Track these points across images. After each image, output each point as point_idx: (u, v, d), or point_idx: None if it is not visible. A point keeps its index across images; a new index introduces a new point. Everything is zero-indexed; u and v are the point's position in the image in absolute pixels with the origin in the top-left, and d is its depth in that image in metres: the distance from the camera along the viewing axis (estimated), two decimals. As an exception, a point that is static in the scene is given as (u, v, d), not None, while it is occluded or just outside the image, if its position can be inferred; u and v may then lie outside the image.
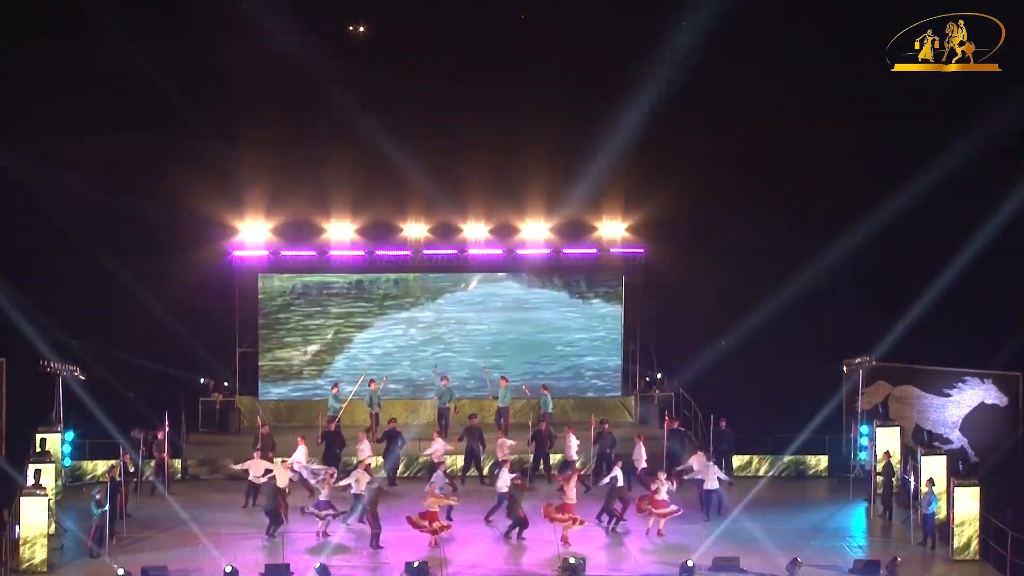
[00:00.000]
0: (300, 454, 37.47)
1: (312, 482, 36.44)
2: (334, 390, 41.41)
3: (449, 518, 35.13)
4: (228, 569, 31.49)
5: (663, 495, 35.11)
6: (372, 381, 41.76)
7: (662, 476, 35.54)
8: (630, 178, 44.35)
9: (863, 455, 39.45)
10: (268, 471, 36.29)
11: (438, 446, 38.36)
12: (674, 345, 44.38)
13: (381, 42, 47.58)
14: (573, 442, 38.93)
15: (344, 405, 41.06)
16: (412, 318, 44.37)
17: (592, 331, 44.82)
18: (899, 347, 41.94)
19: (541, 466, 39.36)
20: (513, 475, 35.70)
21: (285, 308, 44.11)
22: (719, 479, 36.75)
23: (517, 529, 34.69)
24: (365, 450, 38.01)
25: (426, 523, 33.97)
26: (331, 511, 34.65)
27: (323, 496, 34.82)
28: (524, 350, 44.60)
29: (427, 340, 44.30)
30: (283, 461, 37.16)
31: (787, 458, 40.54)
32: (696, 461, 37.10)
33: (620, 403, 44.60)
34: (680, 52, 43.91)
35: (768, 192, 45.98)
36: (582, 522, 34.63)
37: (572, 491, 34.64)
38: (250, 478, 37.01)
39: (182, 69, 44.86)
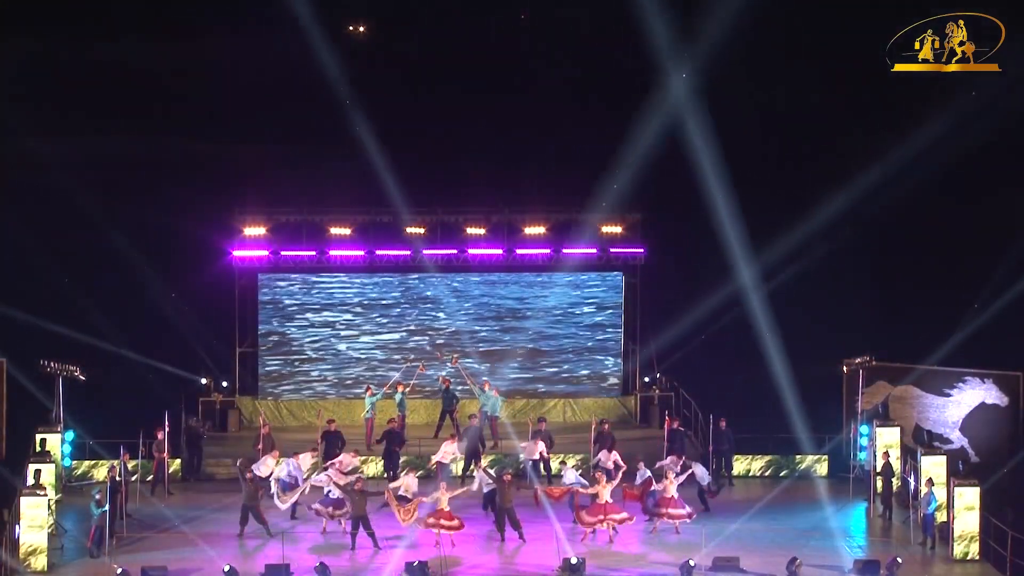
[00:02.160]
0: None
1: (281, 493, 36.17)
2: (368, 392, 41.36)
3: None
4: (227, 568, 31.49)
5: (673, 493, 35.11)
6: (400, 384, 41.74)
7: (671, 475, 35.50)
8: (630, 178, 44.34)
9: (863, 455, 39.44)
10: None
11: (447, 449, 38.34)
12: (674, 345, 44.36)
13: (381, 42, 47.61)
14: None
15: (372, 406, 40.97)
16: (411, 317, 44.47)
17: (591, 331, 44.84)
18: (899, 347, 41.99)
19: (541, 466, 39.33)
20: (504, 471, 35.72)
21: (285, 307, 44.16)
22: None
23: (506, 521, 34.68)
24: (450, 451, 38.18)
25: (443, 521, 33.99)
26: (334, 508, 34.68)
27: (333, 494, 34.83)
28: (522, 349, 44.62)
29: (423, 339, 44.41)
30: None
31: (787, 458, 40.54)
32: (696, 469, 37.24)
33: (620, 403, 44.61)
34: (682, 51, 43.92)
35: (768, 191, 45.97)
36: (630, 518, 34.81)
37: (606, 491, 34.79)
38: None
39: (182, 69, 44.88)
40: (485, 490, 35.67)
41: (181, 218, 43.40)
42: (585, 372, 44.85)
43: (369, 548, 33.96)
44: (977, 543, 33.75)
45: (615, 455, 37.48)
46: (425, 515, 34.21)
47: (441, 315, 44.52)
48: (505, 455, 40.05)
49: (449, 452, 38.12)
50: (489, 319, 44.65)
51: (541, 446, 38.35)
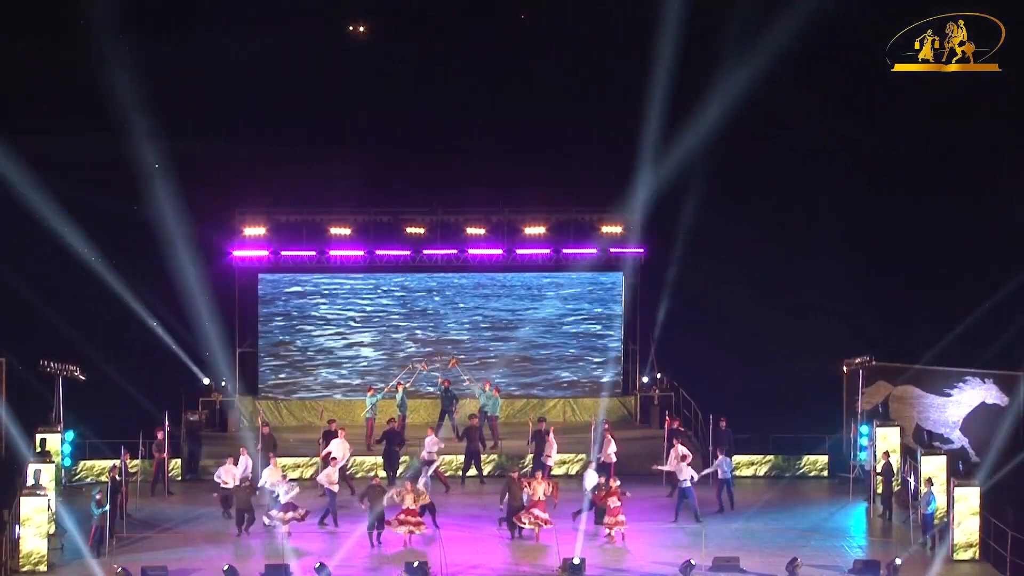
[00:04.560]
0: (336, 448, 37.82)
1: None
2: (369, 392, 41.36)
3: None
4: (226, 568, 31.49)
5: (614, 503, 34.71)
6: (400, 383, 41.75)
7: (614, 484, 35.01)
8: (630, 177, 44.36)
9: (863, 455, 39.44)
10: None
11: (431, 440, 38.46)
12: (674, 345, 44.37)
13: (381, 42, 47.63)
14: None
15: (373, 407, 40.96)
16: (411, 318, 44.53)
17: (592, 331, 44.85)
18: (899, 347, 42.00)
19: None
20: (512, 472, 35.74)
21: (285, 307, 44.20)
22: (692, 478, 36.59)
23: (515, 519, 34.75)
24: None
25: (412, 519, 34.07)
26: (293, 513, 34.57)
27: (283, 499, 34.72)
28: (522, 351, 44.65)
29: (423, 340, 44.47)
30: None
31: (787, 458, 40.55)
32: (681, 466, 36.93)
33: (620, 403, 44.59)
34: (680, 50, 43.92)
35: (768, 191, 46.02)
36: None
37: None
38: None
39: (182, 69, 44.89)
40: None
41: (181, 218, 43.36)
42: (585, 372, 44.84)
43: (367, 548, 34.01)
44: (977, 543, 33.74)
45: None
46: (392, 516, 34.33)
47: (441, 319, 44.54)
48: (507, 456, 40.16)
49: (432, 444, 38.19)
50: (489, 320, 44.65)
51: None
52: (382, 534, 34.26)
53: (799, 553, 32.74)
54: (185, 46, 45.03)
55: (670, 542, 34.55)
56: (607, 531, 34.65)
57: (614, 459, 38.09)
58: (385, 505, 34.36)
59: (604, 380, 44.79)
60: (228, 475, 36.28)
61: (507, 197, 44.32)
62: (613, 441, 38.44)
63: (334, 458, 36.78)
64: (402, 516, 34.14)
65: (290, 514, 34.50)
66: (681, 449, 37.35)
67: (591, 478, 35.87)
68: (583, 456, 39.70)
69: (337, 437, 38.47)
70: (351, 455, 38.38)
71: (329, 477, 35.75)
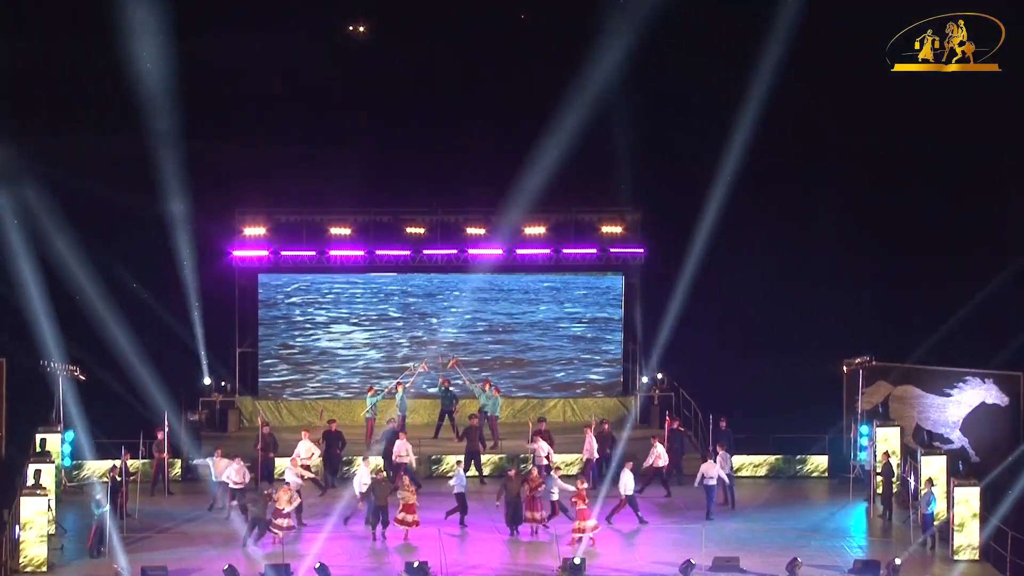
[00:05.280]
0: (302, 448, 37.82)
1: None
2: (370, 392, 41.36)
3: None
4: (226, 568, 31.48)
5: (581, 505, 34.41)
6: (400, 383, 41.77)
7: (583, 485, 34.77)
8: (631, 177, 44.37)
9: (863, 455, 39.44)
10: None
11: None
12: (674, 345, 44.34)
13: (381, 42, 47.67)
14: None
15: (373, 407, 40.97)
16: (411, 318, 44.54)
17: (591, 331, 44.85)
18: (899, 347, 42.00)
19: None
20: (510, 471, 35.77)
21: (285, 307, 44.19)
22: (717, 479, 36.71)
23: (513, 519, 34.83)
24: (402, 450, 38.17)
25: (412, 516, 34.21)
26: (285, 522, 34.40)
27: (280, 505, 34.66)
28: (522, 352, 44.64)
29: (423, 339, 44.48)
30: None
31: (787, 458, 40.54)
32: (706, 468, 36.92)
33: (620, 403, 44.59)
34: (679, 50, 43.99)
35: (767, 191, 46.03)
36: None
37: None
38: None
39: (182, 68, 44.90)
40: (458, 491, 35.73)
41: (181, 218, 43.37)
42: (584, 372, 44.83)
43: (368, 548, 34.01)
44: (978, 543, 33.74)
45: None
46: (392, 513, 34.52)
47: (441, 319, 44.53)
48: (508, 455, 40.18)
49: (401, 448, 38.14)
50: (489, 321, 44.64)
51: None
52: (385, 530, 34.42)
53: (799, 553, 32.77)
54: (186, 46, 45.01)
55: (670, 542, 34.56)
56: (577, 536, 34.12)
57: (596, 455, 38.16)
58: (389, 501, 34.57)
59: (604, 380, 44.80)
60: (239, 475, 36.33)
61: (507, 197, 44.30)
62: (594, 439, 38.44)
63: (366, 459, 36.65)
64: (400, 514, 34.27)
65: (283, 522, 34.35)
66: (659, 448, 37.57)
67: (628, 479, 35.86)
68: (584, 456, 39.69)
69: (334, 436, 38.68)
70: (320, 456, 38.32)
71: (360, 480, 35.75)
